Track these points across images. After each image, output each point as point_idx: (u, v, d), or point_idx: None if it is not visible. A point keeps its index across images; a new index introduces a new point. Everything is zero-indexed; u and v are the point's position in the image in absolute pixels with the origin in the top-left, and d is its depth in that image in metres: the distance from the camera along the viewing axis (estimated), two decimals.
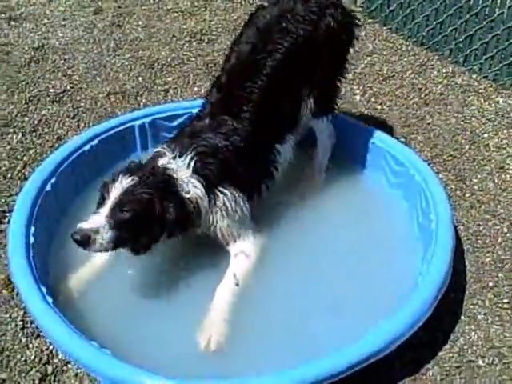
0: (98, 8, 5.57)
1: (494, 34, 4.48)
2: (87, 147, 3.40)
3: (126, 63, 4.79)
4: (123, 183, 2.73)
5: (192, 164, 2.89)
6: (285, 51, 3.14)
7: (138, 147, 3.70)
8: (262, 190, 3.24)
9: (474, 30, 4.59)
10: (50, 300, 2.59)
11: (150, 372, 2.30)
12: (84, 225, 2.64)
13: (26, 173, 3.65)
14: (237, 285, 2.91)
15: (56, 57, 4.84)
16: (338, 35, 3.32)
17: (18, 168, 3.69)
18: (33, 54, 4.85)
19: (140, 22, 5.37)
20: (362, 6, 5.47)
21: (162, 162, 2.90)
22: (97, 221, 2.64)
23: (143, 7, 5.62)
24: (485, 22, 4.51)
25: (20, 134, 3.96)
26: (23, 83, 4.49)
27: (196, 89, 4.52)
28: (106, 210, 2.68)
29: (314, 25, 3.22)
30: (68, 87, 4.48)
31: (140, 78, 4.61)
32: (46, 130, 4.04)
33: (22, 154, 3.80)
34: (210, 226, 3.02)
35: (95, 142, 3.44)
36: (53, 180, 3.17)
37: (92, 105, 4.31)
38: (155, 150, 3.03)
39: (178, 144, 2.97)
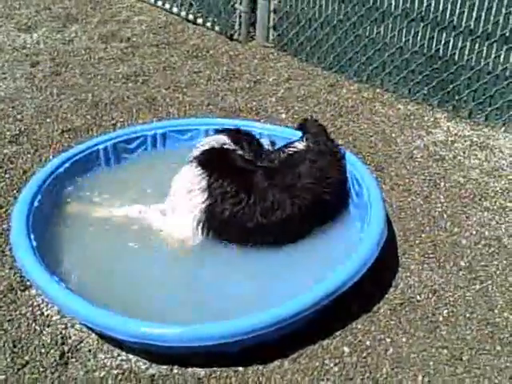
0: (34, 61, 6.00)
1: (389, 53, 5.37)
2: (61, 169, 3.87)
3: (72, 105, 5.25)
4: None
5: None
6: None
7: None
8: None
9: (372, 51, 5.46)
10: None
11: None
12: None
13: (0, 202, 4.01)
14: None
15: (4, 105, 5.22)
16: None
17: None
18: None
19: (77, 70, 5.86)
20: (273, 41, 6.29)
21: None
22: None
23: (76, 57, 6.12)
24: (380, 44, 5.40)
25: None
26: None
27: (141, 121, 5.04)
28: None
29: None
30: (22, 129, 4.86)
31: (88, 116, 5.08)
32: (11, 165, 4.40)
33: None
34: None
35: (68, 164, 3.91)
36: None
37: (49, 141, 4.71)
38: None
39: None
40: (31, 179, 3.80)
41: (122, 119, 5.06)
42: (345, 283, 3.03)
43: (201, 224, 3.51)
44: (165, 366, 2.93)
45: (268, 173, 3.65)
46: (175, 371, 2.91)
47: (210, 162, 3.64)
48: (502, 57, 4.76)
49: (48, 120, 5.03)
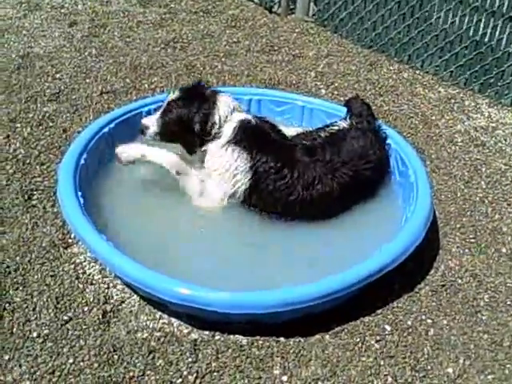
0: (72, 21, 5.98)
1: (433, 35, 5.29)
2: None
3: (111, 67, 5.23)
4: (171, 97, 3.69)
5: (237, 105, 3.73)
6: None
7: None
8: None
9: (416, 32, 5.38)
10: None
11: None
12: (143, 120, 3.74)
13: (42, 159, 4.02)
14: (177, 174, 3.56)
15: (43, 63, 5.21)
16: None
17: (34, 155, 4.05)
18: (20, 61, 5.19)
19: (115, 33, 5.83)
20: (313, 15, 6.21)
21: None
22: (150, 120, 3.71)
23: (114, 20, 6.09)
24: (425, 25, 5.32)
25: (29, 128, 4.31)
26: (17, 86, 4.83)
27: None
28: (158, 114, 3.71)
29: None
30: (62, 88, 4.85)
31: (127, 80, 5.06)
32: (51, 124, 4.40)
33: (35, 144, 4.15)
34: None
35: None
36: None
37: (88, 102, 4.70)
38: None
39: None
40: (78, 136, 3.81)
41: (161, 84, 5.03)
42: (405, 251, 3.12)
43: (243, 197, 3.55)
44: (207, 332, 2.94)
45: (309, 149, 3.65)
46: (217, 337, 2.93)
47: (250, 139, 3.58)
48: None
49: (87, 80, 5.02)
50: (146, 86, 5.00)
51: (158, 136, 3.70)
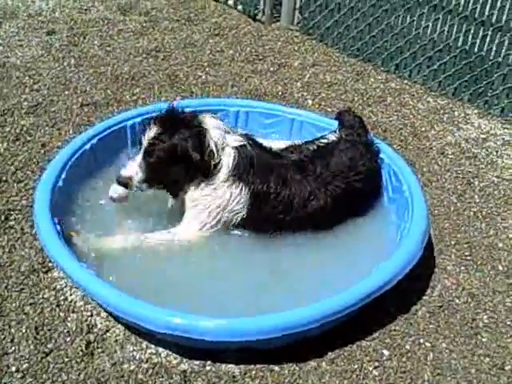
0: (50, 30, 5.78)
1: (421, 44, 5.20)
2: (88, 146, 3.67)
3: (91, 77, 5.05)
4: (148, 135, 3.22)
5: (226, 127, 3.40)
6: None
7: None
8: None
9: (403, 41, 5.29)
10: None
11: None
12: (123, 172, 3.26)
13: (19, 177, 3.83)
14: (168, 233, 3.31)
15: (19, 73, 5.02)
16: None
17: (10, 172, 3.86)
18: None
19: (95, 42, 5.65)
20: (298, 24, 6.09)
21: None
22: (130, 169, 3.25)
23: (94, 28, 5.91)
24: (412, 35, 5.22)
25: (5, 143, 4.13)
26: None
27: (163, 98, 4.85)
28: (138, 158, 3.26)
29: None
30: (40, 100, 4.67)
31: (108, 91, 4.88)
32: (29, 138, 4.22)
33: (12, 160, 3.97)
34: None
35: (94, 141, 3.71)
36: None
37: (68, 115, 4.52)
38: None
39: None
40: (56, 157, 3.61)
41: (143, 96, 4.87)
42: (404, 268, 3.02)
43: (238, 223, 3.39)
44: (197, 362, 2.79)
45: (300, 165, 3.52)
46: (208, 368, 2.78)
47: (250, 169, 3.34)
48: None
49: (67, 92, 4.84)
50: (128, 97, 4.83)
51: (145, 183, 3.27)
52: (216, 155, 3.24)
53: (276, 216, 3.35)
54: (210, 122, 3.32)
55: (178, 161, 3.20)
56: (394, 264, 3.02)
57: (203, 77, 5.22)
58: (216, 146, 3.24)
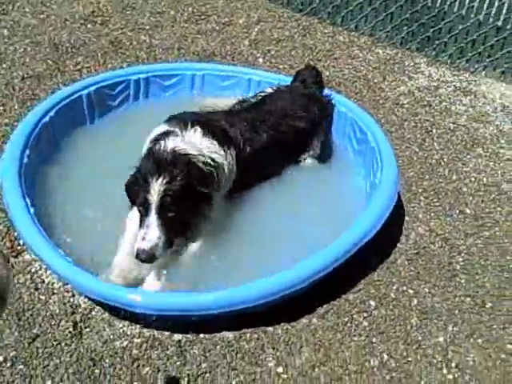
0: None
1: None
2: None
3: (28, 48, 4.74)
4: (159, 185, 2.76)
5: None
6: None
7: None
8: None
9: None
10: None
11: None
12: (144, 245, 2.72)
13: None
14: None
15: None
16: None
17: None
18: None
19: (27, 9, 5.29)
20: None
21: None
22: (150, 240, 2.73)
23: None
24: None
25: None
26: None
27: (110, 66, 4.63)
28: (154, 218, 2.75)
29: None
30: None
31: (49, 61, 4.60)
32: None
33: None
34: None
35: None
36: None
37: (10, 90, 4.24)
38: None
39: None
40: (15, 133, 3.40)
41: (87, 65, 4.63)
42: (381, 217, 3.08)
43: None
44: (191, 332, 2.74)
45: (234, 115, 3.51)
46: (202, 335, 2.74)
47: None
48: (486, 2, 4.69)
49: (4, 65, 4.52)
50: (71, 66, 4.58)
51: (168, 243, 2.81)
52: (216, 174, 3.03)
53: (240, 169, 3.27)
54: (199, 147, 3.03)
55: (193, 196, 2.87)
56: (373, 213, 3.07)
57: (147, 41, 5.02)
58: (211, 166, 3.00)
